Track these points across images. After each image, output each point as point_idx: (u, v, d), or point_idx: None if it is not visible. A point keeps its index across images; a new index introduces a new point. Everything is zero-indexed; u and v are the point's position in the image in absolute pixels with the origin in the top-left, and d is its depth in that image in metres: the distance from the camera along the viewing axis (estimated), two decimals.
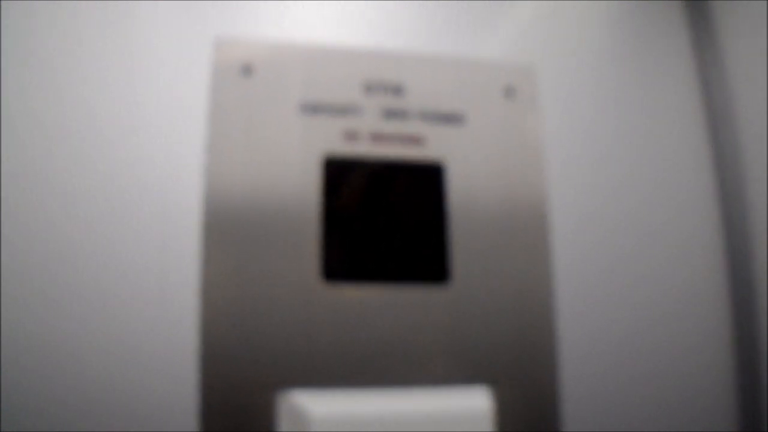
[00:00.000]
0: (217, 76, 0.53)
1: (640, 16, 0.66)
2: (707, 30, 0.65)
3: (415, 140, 0.55)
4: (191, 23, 0.54)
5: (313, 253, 0.50)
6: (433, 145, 0.55)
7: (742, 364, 0.58)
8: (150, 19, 0.54)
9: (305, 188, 0.51)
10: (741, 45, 0.63)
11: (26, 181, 0.48)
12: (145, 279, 0.48)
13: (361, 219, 0.52)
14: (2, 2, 0.51)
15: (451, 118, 0.56)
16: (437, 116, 0.56)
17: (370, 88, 0.55)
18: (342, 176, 0.52)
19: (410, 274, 0.52)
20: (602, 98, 0.62)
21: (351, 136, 0.53)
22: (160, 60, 0.53)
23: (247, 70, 0.53)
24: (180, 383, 0.47)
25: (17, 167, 0.48)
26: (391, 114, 0.55)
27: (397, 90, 0.56)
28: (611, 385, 0.55)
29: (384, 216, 0.52)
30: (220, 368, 0.47)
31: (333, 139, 0.53)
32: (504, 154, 0.56)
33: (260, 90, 0.53)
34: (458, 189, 0.54)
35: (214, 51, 0.53)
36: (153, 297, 0.48)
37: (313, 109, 0.53)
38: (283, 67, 0.54)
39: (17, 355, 0.45)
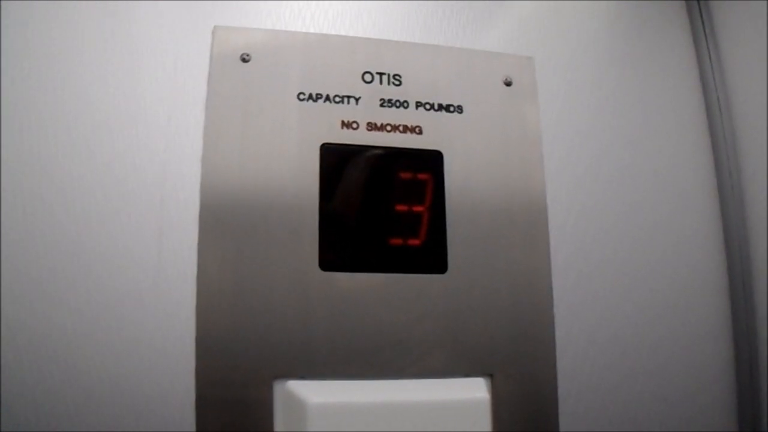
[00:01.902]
0: (215, 63, 0.53)
1: (639, 10, 0.66)
2: (706, 25, 0.66)
3: (413, 129, 0.54)
4: (190, 12, 0.54)
5: (311, 243, 0.50)
6: (431, 134, 0.55)
7: (741, 360, 0.57)
8: (149, 8, 0.54)
9: (302, 177, 0.51)
10: (740, 40, 0.63)
11: (23, 172, 0.48)
12: (142, 269, 0.48)
13: (359, 208, 0.52)
14: None
15: (449, 108, 0.56)
16: (435, 106, 0.56)
17: (369, 76, 0.55)
18: (339, 164, 0.52)
19: (408, 263, 0.51)
20: (601, 91, 0.62)
21: (349, 124, 0.53)
22: (159, 49, 0.53)
23: (245, 57, 0.53)
24: (177, 374, 0.47)
25: (14, 158, 0.48)
26: (389, 103, 0.55)
27: (395, 79, 0.56)
28: (608, 378, 0.55)
29: (381, 205, 0.52)
30: (217, 359, 0.47)
31: (331, 127, 0.53)
32: (502, 144, 0.56)
33: (258, 78, 0.53)
34: (456, 178, 0.54)
35: (212, 38, 0.53)
36: (149, 287, 0.48)
37: (311, 97, 0.53)
38: (281, 55, 0.54)
39: (11, 346, 0.45)
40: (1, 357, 0.44)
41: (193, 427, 0.46)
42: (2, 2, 0.50)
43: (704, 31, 0.65)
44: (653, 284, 0.58)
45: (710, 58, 0.64)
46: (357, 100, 0.54)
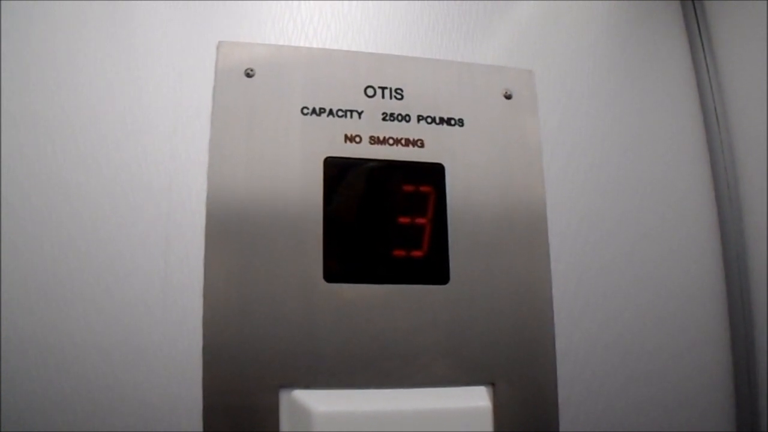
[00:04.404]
0: (220, 78, 0.53)
1: (636, 19, 0.67)
2: (702, 31, 0.66)
3: (415, 143, 0.55)
4: (195, 27, 0.55)
5: (315, 254, 0.51)
6: (432, 147, 0.55)
7: (740, 365, 0.58)
8: (154, 22, 0.54)
9: (306, 189, 0.52)
10: (737, 46, 0.63)
11: (31, 182, 0.48)
12: (149, 279, 0.49)
13: (362, 220, 0.53)
14: (7, 4, 0.51)
15: (450, 122, 0.57)
16: (437, 119, 0.56)
17: (371, 91, 0.56)
18: (342, 177, 0.53)
19: (411, 275, 0.52)
20: (599, 101, 0.63)
21: (352, 137, 0.54)
22: (165, 63, 0.53)
23: (249, 72, 0.54)
24: (184, 383, 0.47)
25: (22, 168, 0.49)
26: (391, 117, 0.55)
27: (397, 93, 0.56)
28: (608, 384, 0.55)
29: (384, 217, 0.53)
30: (224, 368, 0.47)
31: (334, 140, 0.54)
32: (503, 157, 0.57)
33: (262, 92, 0.53)
34: (458, 190, 0.55)
35: (217, 53, 0.54)
36: (157, 297, 0.48)
37: (314, 111, 0.54)
38: (285, 70, 0.54)
39: (20, 355, 0.45)
40: (6, 364, 0.45)
41: None
42: (6, 17, 0.51)
43: (701, 38, 0.66)
44: (652, 291, 0.58)
45: (707, 65, 0.65)
46: (360, 114, 0.55)
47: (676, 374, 0.57)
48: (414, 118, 0.56)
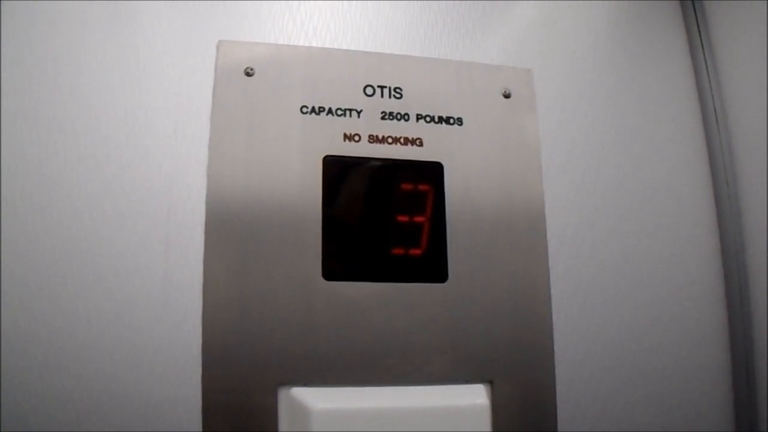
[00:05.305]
0: (219, 77, 0.54)
1: (635, 20, 0.67)
2: (702, 32, 0.66)
3: (413, 141, 0.55)
4: (195, 27, 0.55)
5: (314, 253, 0.51)
6: (431, 146, 0.55)
7: (738, 365, 0.58)
8: (154, 22, 0.55)
9: (305, 188, 0.52)
10: (737, 46, 0.64)
11: (31, 182, 0.49)
12: (150, 278, 0.49)
13: (361, 218, 0.53)
14: (7, 4, 0.51)
15: (449, 121, 0.57)
16: (436, 118, 0.57)
17: (370, 90, 0.56)
18: (342, 176, 0.53)
19: (409, 273, 0.52)
20: (598, 101, 0.63)
21: (351, 136, 0.54)
22: (165, 63, 0.54)
23: (249, 71, 0.54)
24: (184, 381, 0.47)
25: (22, 167, 0.49)
26: (390, 116, 0.56)
27: (396, 92, 0.56)
28: (606, 383, 0.55)
29: (383, 215, 0.53)
30: (223, 366, 0.48)
31: (333, 139, 0.54)
32: (501, 156, 0.57)
33: (262, 91, 0.54)
34: (456, 189, 0.55)
35: (217, 52, 0.54)
36: (157, 296, 0.49)
37: (313, 110, 0.54)
38: (284, 69, 0.55)
39: (20, 353, 0.45)
40: (7, 363, 0.45)
41: None
42: (6, 17, 0.51)
43: (700, 38, 0.66)
44: (651, 291, 0.59)
45: (707, 64, 0.65)
46: (359, 113, 0.55)
47: (674, 373, 0.57)
48: (413, 117, 0.56)
